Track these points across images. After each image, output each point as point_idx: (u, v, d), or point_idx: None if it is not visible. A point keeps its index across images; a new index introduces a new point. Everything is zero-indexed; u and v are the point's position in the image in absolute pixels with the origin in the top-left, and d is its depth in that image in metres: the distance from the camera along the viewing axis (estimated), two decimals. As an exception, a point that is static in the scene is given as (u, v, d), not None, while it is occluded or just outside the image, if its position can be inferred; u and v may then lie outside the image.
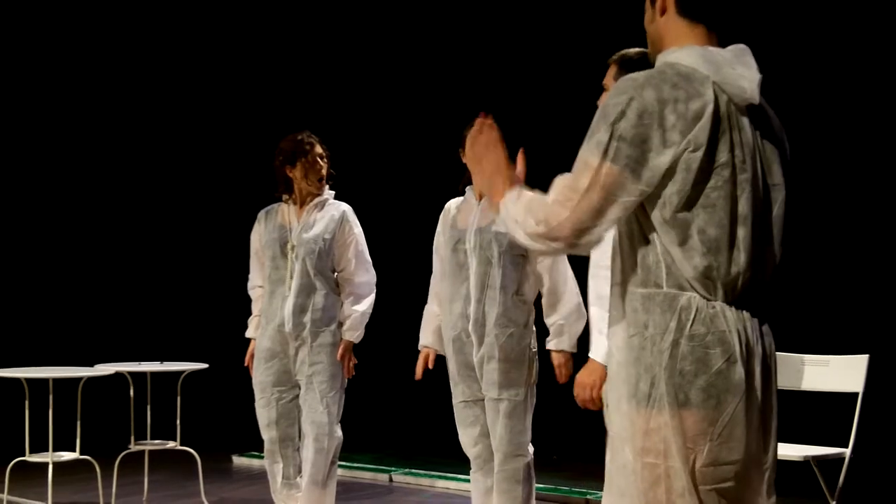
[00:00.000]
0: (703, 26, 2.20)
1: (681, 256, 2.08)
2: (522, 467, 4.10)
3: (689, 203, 2.07)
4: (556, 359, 4.12)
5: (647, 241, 2.12)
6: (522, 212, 2.16)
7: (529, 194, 2.18)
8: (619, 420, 2.17)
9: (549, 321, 4.15)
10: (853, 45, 6.42)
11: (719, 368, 2.06)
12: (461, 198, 4.39)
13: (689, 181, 2.06)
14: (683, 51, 2.17)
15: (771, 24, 6.23)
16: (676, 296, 2.10)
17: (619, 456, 2.17)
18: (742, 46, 2.20)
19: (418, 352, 4.47)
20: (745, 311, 2.12)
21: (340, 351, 4.67)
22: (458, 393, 4.25)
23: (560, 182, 2.13)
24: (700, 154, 2.05)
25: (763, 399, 2.14)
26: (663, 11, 2.23)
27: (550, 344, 4.13)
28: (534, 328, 4.20)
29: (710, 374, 2.06)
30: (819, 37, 6.44)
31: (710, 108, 2.07)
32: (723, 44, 2.23)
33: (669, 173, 2.06)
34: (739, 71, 2.14)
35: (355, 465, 6.67)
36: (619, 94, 2.10)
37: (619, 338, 2.18)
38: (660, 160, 2.06)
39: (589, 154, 2.09)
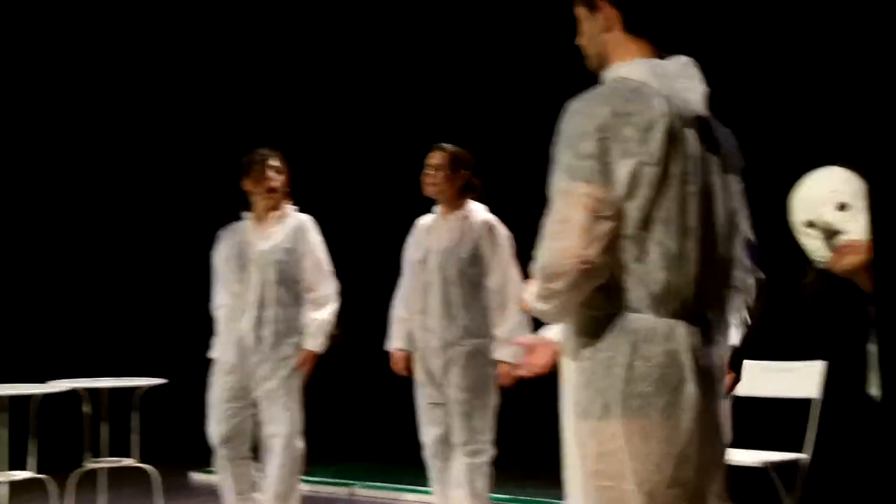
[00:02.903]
0: (647, 40, 2.24)
1: (640, 272, 2.08)
2: (485, 462, 4.46)
3: (648, 218, 2.08)
4: (501, 367, 4.48)
5: None
6: (533, 289, 2.14)
7: None
8: (572, 441, 2.19)
9: (496, 332, 4.51)
10: (799, 53, 6.50)
11: (675, 387, 2.06)
12: (433, 215, 4.69)
13: (648, 196, 2.07)
14: (632, 65, 2.19)
15: (712, 35, 6.29)
16: (628, 317, 2.10)
17: (574, 473, 2.19)
18: (685, 59, 2.23)
19: (381, 360, 4.71)
20: (696, 326, 2.12)
21: (299, 359, 4.64)
22: (426, 395, 4.58)
23: (545, 223, 2.12)
24: (658, 168, 2.07)
25: (713, 413, 2.15)
26: (609, 29, 2.26)
27: (496, 354, 4.49)
28: (494, 336, 4.52)
29: (668, 394, 2.06)
30: (765, 45, 6.51)
31: (663, 121, 2.09)
32: (666, 53, 2.25)
33: (632, 187, 2.07)
34: (684, 84, 2.16)
35: (315, 479, 6.61)
36: (574, 116, 2.12)
37: (572, 359, 2.18)
38: (622, 171, 2.07)
39: (561, 181, 2.10)
